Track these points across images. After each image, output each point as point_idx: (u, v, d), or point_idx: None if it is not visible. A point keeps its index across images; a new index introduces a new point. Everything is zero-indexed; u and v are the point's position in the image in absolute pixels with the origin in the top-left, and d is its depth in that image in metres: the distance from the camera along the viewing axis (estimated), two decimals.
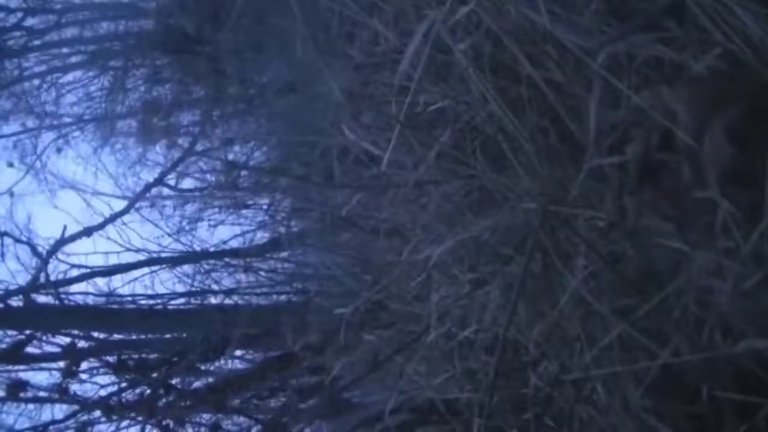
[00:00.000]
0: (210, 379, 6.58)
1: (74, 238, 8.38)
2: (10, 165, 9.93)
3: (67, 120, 10.64)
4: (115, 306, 8.05)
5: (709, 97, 2.03)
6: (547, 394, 2.73)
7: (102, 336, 7.54)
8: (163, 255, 8.87)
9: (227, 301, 8.07)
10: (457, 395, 3.18)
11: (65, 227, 8.31)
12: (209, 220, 9.11)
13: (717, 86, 2.05)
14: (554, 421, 2.77)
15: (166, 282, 8.50)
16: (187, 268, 8.62)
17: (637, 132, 2.15)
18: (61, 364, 7.10)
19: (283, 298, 8.04)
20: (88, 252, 8.52)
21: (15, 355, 6.87)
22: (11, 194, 9.58)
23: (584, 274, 2.55)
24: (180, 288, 8.48)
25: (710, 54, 2.11)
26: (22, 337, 7.01)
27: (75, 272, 8.27)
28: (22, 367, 7.01)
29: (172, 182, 9.64)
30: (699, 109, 2.02)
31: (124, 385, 6.77)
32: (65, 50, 10.96)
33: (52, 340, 7.26)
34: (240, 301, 8.14)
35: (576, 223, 2.52)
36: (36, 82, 10.56)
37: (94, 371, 7.10)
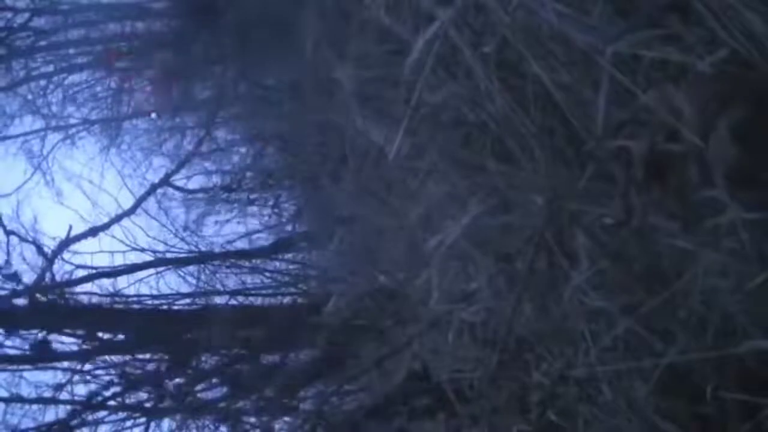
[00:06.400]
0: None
1: (80, 237, 8.39)
2: None
3: (74, 120, 10.66)
4: (120, 306, 8.07)
5: (714, 96, 2.04)
6: (551, 391, 2.74)
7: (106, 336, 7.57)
8: (169, 255, 8.88)
9: (232, 302, 8.09)
10: (462, 387, 3.19)
11: (71, 227, 8.33)
12: (215, 220, 9.14)
13: (722, 86, 2.06)
14: (558, 418, 2.77)
15: (171, 282, 8.52)
16: (192, 268, 8.64)
17: (643, 131, 2.16)
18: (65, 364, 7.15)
19: (287, 299, 8.07)
20: (94, 251, 8.54)
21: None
22: None
23: (590, 272, 2.56)
24: (185, 288, 8.50)
25: (716, 54, 2.12)
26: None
27: (80, 273, 8.28)
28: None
29: (178, 182, 9.69)
30: (704, 108, 2.03)
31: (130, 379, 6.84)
32: (72, 51, 10.98)
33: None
34: (245, 302, 8.16)
35: (582, 220, 2.53)
36: (43, 82, 10.58)
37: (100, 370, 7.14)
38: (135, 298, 8.10)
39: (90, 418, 6.99)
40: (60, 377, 7.16)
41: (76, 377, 7.10)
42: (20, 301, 7.50)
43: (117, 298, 8.08)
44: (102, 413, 7.02)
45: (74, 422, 6.99)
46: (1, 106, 10.29)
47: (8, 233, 8.53)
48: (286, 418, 6.10)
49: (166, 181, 9.40)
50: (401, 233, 3.70)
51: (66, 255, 8.36)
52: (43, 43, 10.65)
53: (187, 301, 8.22)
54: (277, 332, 6.23)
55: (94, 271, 8.28)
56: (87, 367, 7.25)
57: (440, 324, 3.14)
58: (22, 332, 7.14)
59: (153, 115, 9.84)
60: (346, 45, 3.47)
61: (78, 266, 8.33)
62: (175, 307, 8.12)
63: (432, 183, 3.14)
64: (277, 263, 8.65)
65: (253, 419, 6.19)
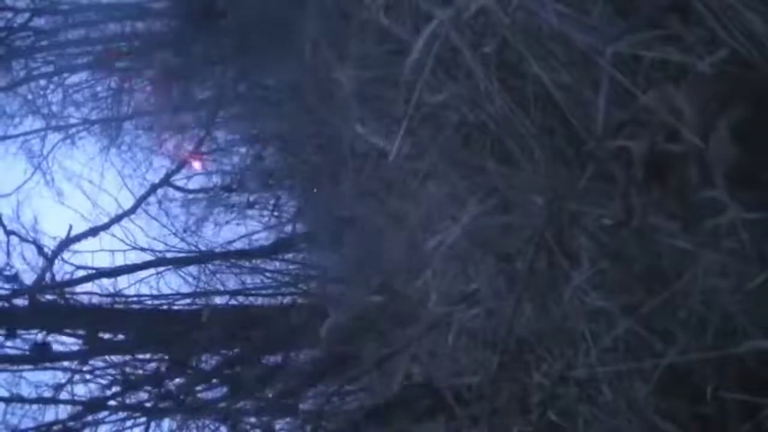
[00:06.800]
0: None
1: (80, 237, 8.39)
2: None
3: (74, 120, 10.66)
4: (120, 306, 8.07)
5: (714, 96, 2.04)
6: (552, 392, 2.74)
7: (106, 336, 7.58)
8: (169, 255, 8.88)
9: (232, 302, 8.09)
10: (462, 389, 3.19)
11: (71, 227, 8.32)
12: (215, 220, 9.15)
13: (722, 86, 2.06)
14: (559, 418, 2.77)
15: (171, 282, 8.53)
16: (193, 268, 8.64)
17: (643, 131, 2.16)
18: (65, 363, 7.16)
19: (287, 299, 8.07)
20: (94, 251, 8.54)
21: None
22: None
23: (590, 272, 2.56)
24: (185, 288, 8.50)
25: (716, 54, 2.12)
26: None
27: (81, 273, 8.28)
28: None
29: (178, 182, 9.69)
30: (704, 108, 2.03)
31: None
32: (72, 51, 10.98)
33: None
34: (245, 302, 8.17)
35: (582, 221, 2.53)
36: (43, 82, 10.58)
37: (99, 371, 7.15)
38: (135, 298, 8.10)
39: (90, 418, 6.99)
40: (60, 377, 7.18)
41: (76, 377, 7.11)
42: (20, 301, 7.51)
43: (117, 298, 8.09)
44: (102, 413, 7.02)
45: (74, 422, 6.99)
46: (1, 106, 10.30)
47: (8, 233, 8.53)
48: (287, 419, 6.11)
49: (166, 181, 9.41)
50: (401, 234, 3.71)
51: (66, 255, 8.36)
52: (43, 43, 10.64)
53: (187, 301, 8.23)
54: (277, 332, 6.24)
55: (94, 271, 8.28)
56: (87, 367, 7.26)
57: (440, 325, 3.14)
58: (22, 332, 7.15)
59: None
60: (346, 45, 3.48)
61: (78, 266, 8.33)
62: (175, 307, 8.12)
63: (432, 184, 3.14)
64: (277, 263, 8.65)
65: (253, 419, 6.19)
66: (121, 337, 7.63)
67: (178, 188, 9.72)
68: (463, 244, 2.92)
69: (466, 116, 2.88)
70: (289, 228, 8.65)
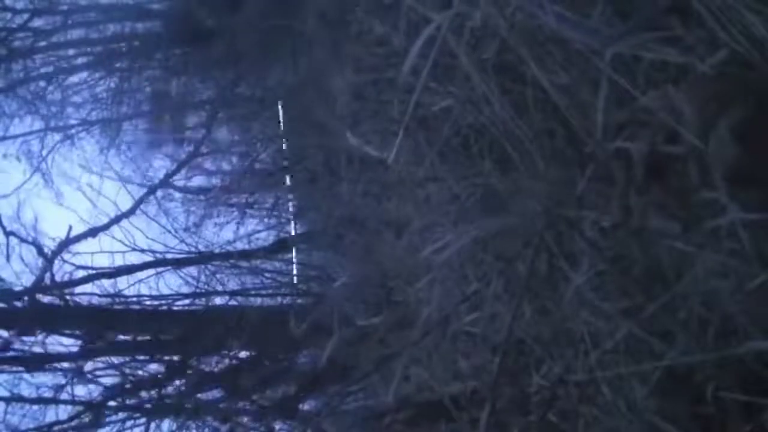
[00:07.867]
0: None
1: (79, 238, 8.39)
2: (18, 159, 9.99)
3: (73, 121, 10.66)
4: (120, 307, 8.07)
5: (714, 97, 2.04)
6: (551, 394, 2.73)
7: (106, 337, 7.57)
8: (169, 256, 8.88)
9: (232, 302, 8.10)
10: (461, 391, 3.19)
11: (70, 228, 8.32)
12: (214, 221, 9.15)
13: (722, 86, 2.06)
14: (559, 420, 2.77)
15: (171, 283, 8.53)
16: (192, 269, 8.65)
17: (643, 132, 2.16)
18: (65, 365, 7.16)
19: (287, 299, 8.07)
20: (94, 252, 8.54)
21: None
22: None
23: (589, 274, 2.56)
24: (185, 289, 8.51)
25: (716, 55, 2.12)
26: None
27: (80, 273, 8.27)
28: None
29: (178, 183, 9.70)
30: (704, 108, 2.03)
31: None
32: (71, 52, 10.99)
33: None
34: (245, 303, 8.17)
35: (581, 223, 2.53)
36: (42, 83, 10.58)
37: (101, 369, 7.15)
38: (135, 299, 8.10)
39: (90, 418, 7.00)
40: (60, 378, 7.18)
41: (76, 378, 7.11)
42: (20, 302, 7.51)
43: (117, 299, 8.09)
44: (102, 413, 7.03)
45: (74, 423, 7.00)
46: (1, 106, 10.30)
47: (8, 234, 8.52)
48: (287, 420, 6.11)
49: (165, 181, 9.41)
50: (401, 236, 3.70)
51: (66, 255, 8.36)
52: (42, 43, 10.65)
53: (187, 301, 8.23)
54: (277, 334, 6.24)
55: (94, 272, 8.28)
56: (87, 367, 7.26)
57: (439, 328, 3.14)
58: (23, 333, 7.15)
59: None
60: (345, 49, 3.47)
61: (78, 267, 8.33)
62: (175, 308, 8.13)
63: (431, 186, 3.14)
64: (277, 263, 8.66)
65: (253, 421, 6.20)
66: (121, 337, 7.62)
67: (177, 189, 9.73)
68: (462, 248, 2.91)
69: (464, 119, 2.88)
70: (288, 228, 8.66)
